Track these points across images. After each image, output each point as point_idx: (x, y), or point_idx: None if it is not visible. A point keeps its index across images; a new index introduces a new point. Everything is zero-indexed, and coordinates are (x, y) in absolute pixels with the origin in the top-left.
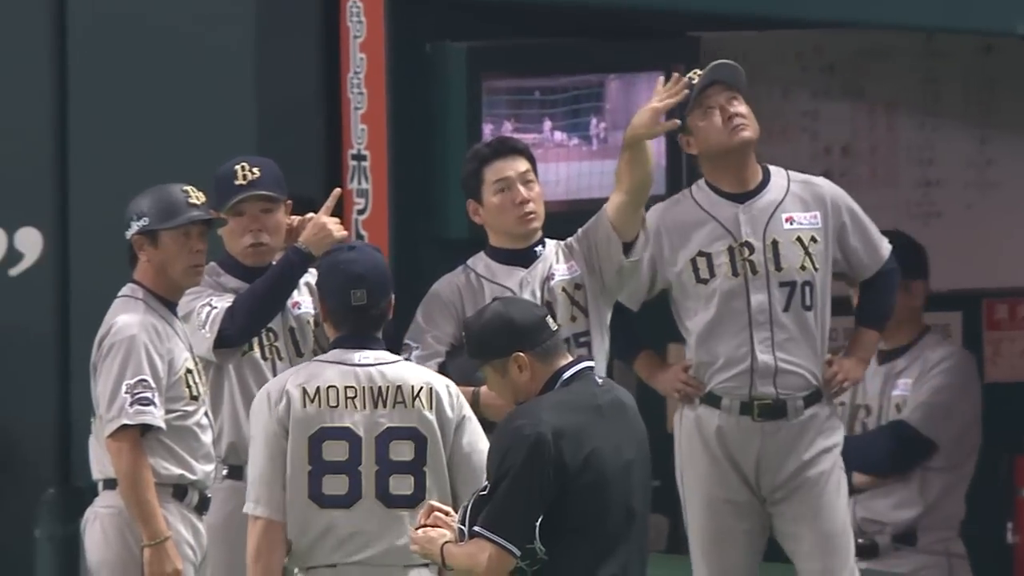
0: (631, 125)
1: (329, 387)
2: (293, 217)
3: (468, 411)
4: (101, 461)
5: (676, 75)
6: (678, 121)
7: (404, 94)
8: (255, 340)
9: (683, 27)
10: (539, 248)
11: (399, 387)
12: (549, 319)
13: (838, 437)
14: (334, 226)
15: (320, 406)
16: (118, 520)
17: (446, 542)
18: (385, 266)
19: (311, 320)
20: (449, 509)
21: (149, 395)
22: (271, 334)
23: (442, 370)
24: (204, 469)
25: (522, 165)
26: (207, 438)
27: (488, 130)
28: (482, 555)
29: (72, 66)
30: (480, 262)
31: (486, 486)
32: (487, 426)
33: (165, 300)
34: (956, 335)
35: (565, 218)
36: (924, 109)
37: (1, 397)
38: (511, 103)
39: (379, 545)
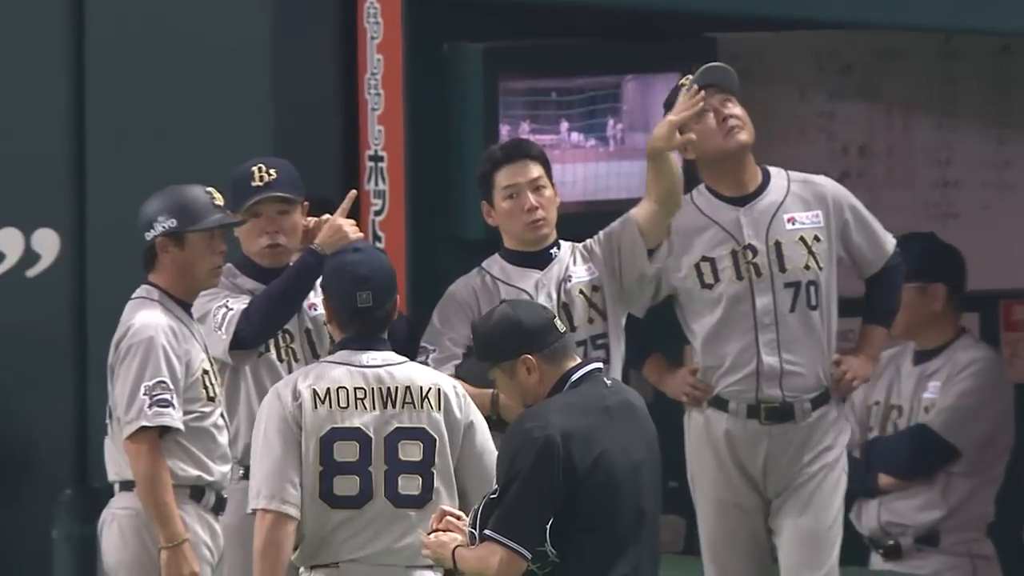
0: (651, 137)
1: (339, 388)
2: (309, 219)
3: (476, 414)
4: (117, 463)
5: (694, 87)
6: (693, 137)
7: (421, 95)
8: (271, 342)
9: (700, 28)
10: (554, 250)
11: (408, 388)
12: (557, 321)
13: (843, 438)
14: (350, 228)
15: (330, 407)
16: (135, 521)
17: (457, 546)
18: (390, 267)
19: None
20: (461, 513)
21: (168, 397)
22: (287, 336)
23: (459, 372)
24: (221, 470)
25: (534, 171)
26: (224, 439)
27: (505, 131)
28: (493, 558)
29: (89, 67)
30: (495, 264)
31: (496, 489)
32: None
33: (180, 301)
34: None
35: (582, 219)
36: (941, 110)
37: (18, 398)
38: (528, 104)
39: (386, 544)
